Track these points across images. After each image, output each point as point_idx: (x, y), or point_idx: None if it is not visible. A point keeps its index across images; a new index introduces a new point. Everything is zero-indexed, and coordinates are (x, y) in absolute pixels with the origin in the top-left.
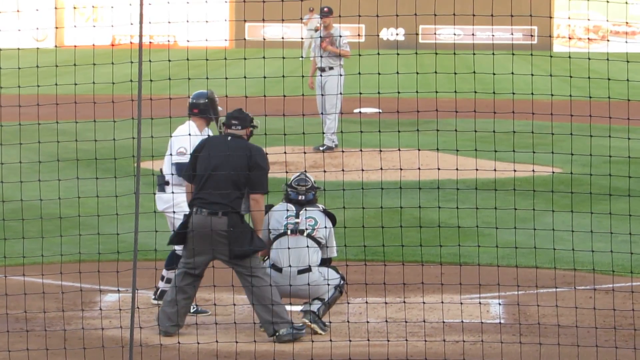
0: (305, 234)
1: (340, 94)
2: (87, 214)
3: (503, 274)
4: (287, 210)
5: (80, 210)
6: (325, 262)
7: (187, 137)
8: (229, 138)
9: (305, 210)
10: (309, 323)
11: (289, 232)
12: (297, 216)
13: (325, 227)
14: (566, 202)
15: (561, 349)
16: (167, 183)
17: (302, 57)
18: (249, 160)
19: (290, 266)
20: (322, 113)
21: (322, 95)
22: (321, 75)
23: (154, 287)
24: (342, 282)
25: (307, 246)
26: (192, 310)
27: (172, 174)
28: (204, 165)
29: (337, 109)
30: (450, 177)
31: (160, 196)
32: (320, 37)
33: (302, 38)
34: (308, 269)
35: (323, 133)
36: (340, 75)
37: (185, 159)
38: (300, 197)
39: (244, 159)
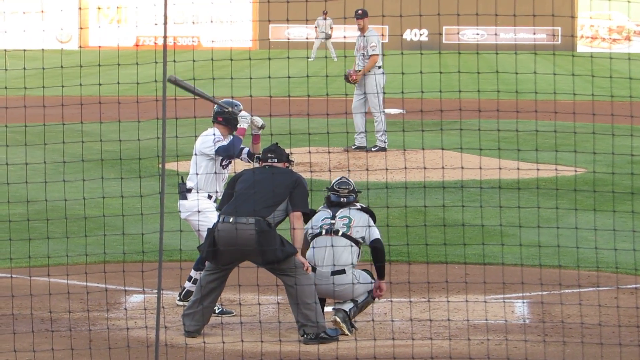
0: (340, 234)
1: (382, 93)
2: (111, 214)
3: (527, 274)
4: (325, 212)
5: (104, 211)
6: (377, 247)
7: (212, 131)
8: (266, 167)
9: (341, 211)
10: (339, 321)
11: (323, 232)
12: (332, 217)
13: (368, 226)
14: (589, 202)
15: (585, 348)
16: (189, 190)
17: (311, 57)
18: (290, 180)
19: (321, 266)
20: (352, 113)
21: (363, 95)
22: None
23: (180, 288)
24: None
25: (339, 245)
26: (217, 311)
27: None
28: (244, 184)
29: (381, 108)
30: (474, 177)
31: (183, 203)
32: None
33: (307, 38)
34: (342, 271)
35: (347, 132)
36: (376, 74)
37: (225, 141)
38: (342, 200)
39: (286, 177)
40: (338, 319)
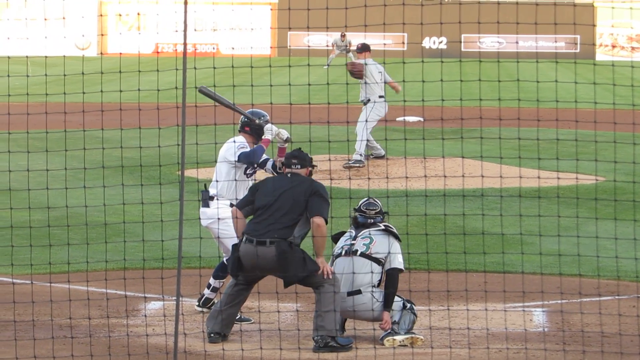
0: (358, 253)
1: (375, 122)
2: (131, 221)
3: (547, 283)
4: (349, 233)
5: (124, 218)
6: (392, 273)
7: (239, 140)
8: (289, 175)
9: (364, 231)
10: (394, 339)
11: (342, 252)
12: (354, 238)
13: (395, 253)
14: (609, 211)
15: (605, 357)
16: (212, 198)
17: (326, 65)
18: (309, 188)
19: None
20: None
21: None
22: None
23: (199, 294)
24: (408, 304)
25: (357, 264)
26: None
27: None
28: (265, 198)
29: (362, 137)
30: (493, 186)
31: (204, 211)
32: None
33: (327, 45)
34: (358, 292)
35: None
36: (376, 102)
37: (248, 148)
38: (368, 221)
39: (306, 187)
40: (391, 339)
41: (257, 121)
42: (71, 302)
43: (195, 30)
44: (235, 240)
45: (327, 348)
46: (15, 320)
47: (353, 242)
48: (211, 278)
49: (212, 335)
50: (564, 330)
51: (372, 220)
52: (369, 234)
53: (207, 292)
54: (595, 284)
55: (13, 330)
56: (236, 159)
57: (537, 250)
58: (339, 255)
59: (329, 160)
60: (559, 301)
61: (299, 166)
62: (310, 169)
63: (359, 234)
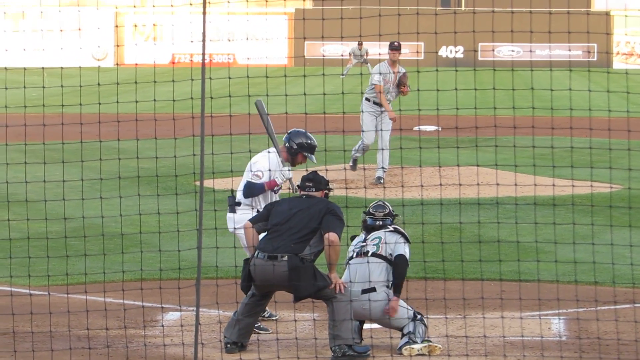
0: (369, 254)
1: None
2: (148, 231)
3: (563, 291)
4: (361, 237)
5: (141, 228)
6: (397, 262)
7: (266, 162)
8: (303, 197)
9: (374, 233)
10: (412, 347)
11: (354, 255)
12: (364, 240)
13: (395, 242)
14: (625, 219)
15: None
16: (239, 204)
17: (343, 75)
18: (325, 207)
19: (353, 284)
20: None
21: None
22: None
23: (216, 304)
24: (418, 315)
25: (371, 263)
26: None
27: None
28: (279, 216)
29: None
30: (509, 194)
31: (231, 217)
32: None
33: (342, 55)
34: (372, 289)
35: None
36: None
37: (258, 181)
38: (377, 223)
39: (321, 206)
40: (409, 347)
41: (294, 146)
42: (88, 312)
43: (210, 40)
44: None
45: (345, 357)
46: (33, 331)
47: (364, 243)
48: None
49: (229, 345)
50: (580, 338)
51: (381, 223)
52: (379, 235)
53: None
54: (612, 292)
55: (31, 342)
56: (241, 189)
57: (553, 258)
58: (351, 258)
59: (344, 169)
60: (576, 309)
61: (314, 189)
62: (326, 192)
63: (369, 237)
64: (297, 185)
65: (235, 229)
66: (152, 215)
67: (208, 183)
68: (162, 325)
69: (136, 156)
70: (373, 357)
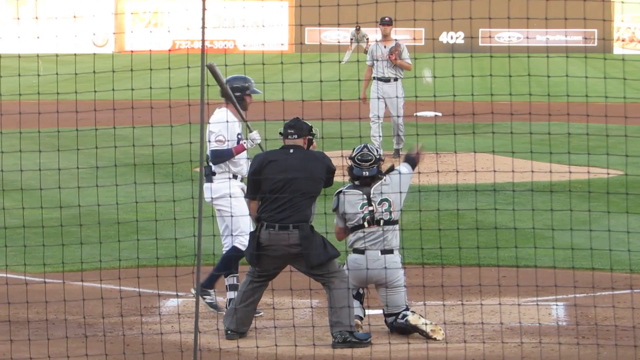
0: (382, 223)
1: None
2: (145, 219)
3: (560, 277)
4: (359, 196)
5: (138, 215)
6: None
7: (224, 124)
8: (291, 151)
9: (374, 192)
10: (414, 322)
11: (365, 224)
12: (369, 203)
13: (400, 192)
14: (622, 204)
15: (619, 350)
16: (214, 173)
17: (344, 60)
18: (324, 165)
19: (370, 248)
20: (378, 116)
21: (388, 99)
22: (381, 84)
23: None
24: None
25: (386, 230)
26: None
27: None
28: (275, 179)
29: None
30: (506, 180)
31: (208, 186)
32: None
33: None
34: (390, 251)
35: (379, 136)
36: (401, 80)
37: (224, 146)
38: (364, 173)
39: (319, 164)
40: (417, 316)
41: (237, 92)
42: (86, 300)
43: (213, 27)
44: (247, 218)
45: (346, 343)
46: (30, 319)
47: (371, 208)
48: (226, 279)
49: (229, 332)
50: (578, 324)
51: (368, 172)
52: (382, 194)
53: (230, 294)
54: (609, 278)
55: (27, 329)
56: (208, 154)
57: (551, 244)
58: (360, 226)
59: (342, 156)
60: (573, 295)
61: (296, 136)
62: (309, 137)
63: (372, 197)
64: (280, 133)
65: (212, 198)
66: (149, 203)
67: None
68: (160, 313)
69: (133, 143)
70: (371, 344)
